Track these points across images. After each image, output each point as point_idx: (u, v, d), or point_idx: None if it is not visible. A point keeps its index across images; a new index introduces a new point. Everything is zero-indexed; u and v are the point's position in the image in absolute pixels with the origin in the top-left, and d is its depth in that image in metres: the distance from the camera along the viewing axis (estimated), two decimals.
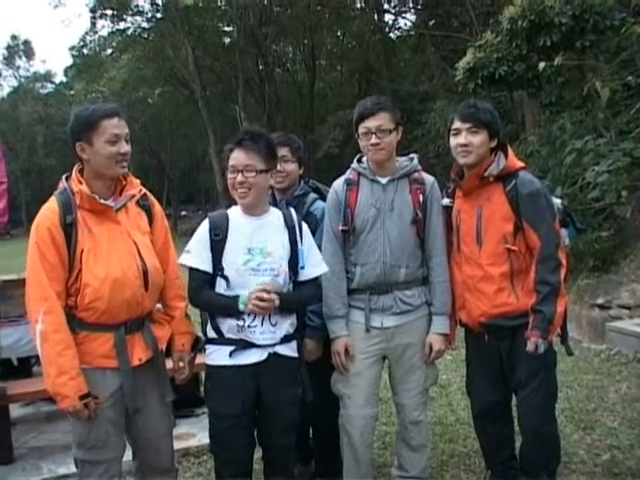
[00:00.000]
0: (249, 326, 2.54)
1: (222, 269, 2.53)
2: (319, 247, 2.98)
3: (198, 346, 2.69)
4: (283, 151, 3.14)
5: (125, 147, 2.41)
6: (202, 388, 4.47)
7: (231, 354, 2.55)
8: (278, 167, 3.06)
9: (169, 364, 2.63)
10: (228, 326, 2.55)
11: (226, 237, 2.56)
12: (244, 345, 2.54)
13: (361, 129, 2.85)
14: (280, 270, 2.57)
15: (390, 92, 17.87)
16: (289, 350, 2.63)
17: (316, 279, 2.72)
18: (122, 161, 2.41)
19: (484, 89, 8.73)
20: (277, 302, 2.50)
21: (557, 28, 7.58)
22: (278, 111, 22.20)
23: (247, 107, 21.87)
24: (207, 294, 2.56)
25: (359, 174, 2.95)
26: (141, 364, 2.46)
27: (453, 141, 2.84)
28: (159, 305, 2.68)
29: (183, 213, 41.00)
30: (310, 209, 3.14)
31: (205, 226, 2.61)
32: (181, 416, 4.22)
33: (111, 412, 2.41)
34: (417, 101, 18.13)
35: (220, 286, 2.55)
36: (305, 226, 2.74)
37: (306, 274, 2.67)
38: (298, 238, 2.65)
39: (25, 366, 4.78)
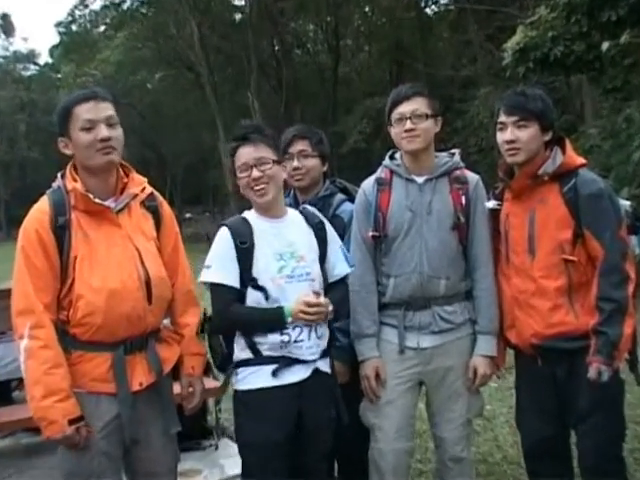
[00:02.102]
0: (296, 341, 2.57)
1: (254, 280, 2.56)
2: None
3: (215, 370, 2.74)
4: (301, 145, 3.18)
5: (104, 132, 2.41)
6: (210, 417, 4.49)
7: (274, 373, 2.56)
8: (296, 163, 3.11)
9: (176, 389, 2.66)
10: (270, 343, 2.57)
11: (253, 244, 2.59)
12: (287, 362, 2.57)
13: (394, 116, 2.89)
14: (315, 274, 2.64)
15: (426, 77, 17.90)
16: (326, 366, 2.68)
17: (344, 280, 2.79)
18: (105, 148, 2.41)
19: (536, 73, 8.70)
20: (331, 307, 2.57)
21: (624, 1, 7.49)
22: (297, 99, 22.34)
23: (261, 94, 22.04)
24: (240, 309, 2.57)
25: (392, 172, 2.97)
26: (142, 389, 2.47)
27: (499, 137, 2.84)
28: (167, 321, 2.70)
29: (188, 215, 41.18)
30: (337, 212, 3.17)
31: (225, 236, 2.62)
32: (186, 449, 4.22)
33: (105, 443, 2.41)
34: (457, 88, 18.12)
35: (255, 300, 2.57)
36: (327, 222, 2.81)
37: (336, 274, 2.74)
38: (326, 235, 2.73)
39: (4, 391, 4.67)
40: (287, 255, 2.61)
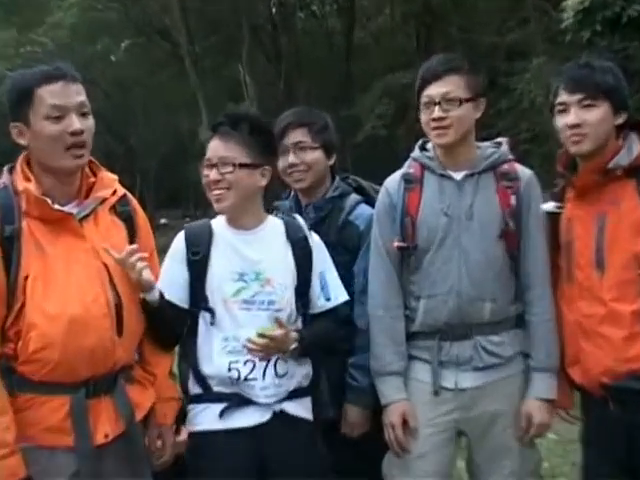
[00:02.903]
0: (246, 379, 2.65)
1: (205, 300, 2.67)
2: (364, 272, 3.03)
3: (185, 417, 2.77)
4: (298, 134, 3.20)
5: (76, 123, 2.43)
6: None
7: (222, 414, 2.65)
8: (292, 158, 3.15)
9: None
10: (218, 377, 2.67)
11: (208, 256, 2.70)
12: (239, 401, 2.66)
13: (422, 99, 2.92)
14: (283, 303, 2.71)
15: (462, 45, 17.89)
16: (301, 409, 2.76)
17: (335, 310, 2.85)
18: (75, 146, 2.44)
19: (604, 38, 8.68)
20: (294, 344, 2.65)
21: None
22: (300, 74, 22.35)
23: (255, 68, 22.07)
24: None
25: (423, 167, 2.99)
26: (108, 442, 2.48)
27: (559, 120, 2.85)
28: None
29: (163, 221, 40.99)
30: (349, 217, 3.19)
31: (179, 242, 2.75)
32: None
33: None
34: (502, 58, 18.09)
35: (204, 322, 2.70)
36: (316, 237, 2.87)
37: (322, 304, 2.82)
38: (312, 255, 2.80)
39: None
40: (250, 276, 2.69)
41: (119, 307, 2.48)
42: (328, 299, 2.86)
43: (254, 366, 2.66)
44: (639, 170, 2.78)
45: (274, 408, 2.69)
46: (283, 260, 2.78)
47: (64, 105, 2.42)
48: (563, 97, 2.82)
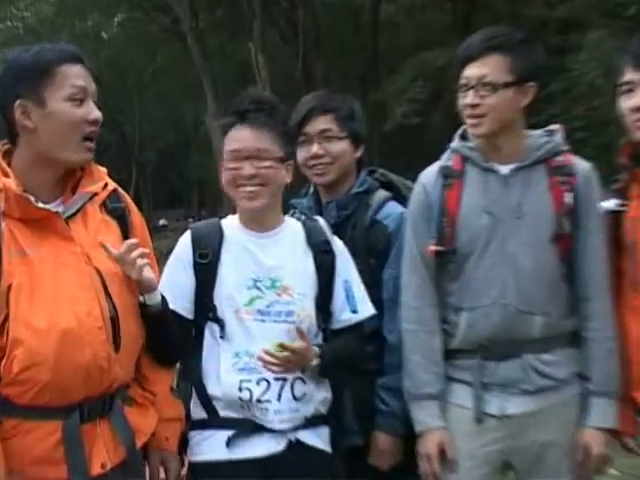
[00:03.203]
0: (259, 400, 2.65)
1: (214, 309, 2.67)
2: (394, 279, 3.03)
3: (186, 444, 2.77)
4: (323, 122, 3.22)
5: (96, 111, 2.49)
6: None
7: (229, 443, 2.65)
8: (315, 149, 3.17)
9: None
10: (226, 400, 2.67)
11: (218, 260, 2.71)
12: (250, 429, 2.66)
13: (460, 80, 2.91)
14: (303, 314, 2.72)
15: (508, 20, 17.82)
16: (318, 439, 2.75)
17: (361, 325, 2.87)
18: (91, 136, 2.49)
19: None
20: (315, 360, 2.64)
21: None
22: (319, 53, 22.32)
23: (268, 46, 22.07)
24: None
25: (464, 159, 2.99)
26: (105, 472, 2.48)
27: (624, 102, 2.84)
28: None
29: (162, 222, 41.20)
30: (377, 216, 3.20)
31: (185, 243, 2.77)
32: None
33: None
34: (553, 33, 18.01)
35: (210, 335, 2.70)
36: (340, 243, 2.89)
37: (348, 317, 2.82)
38: (335, 262, 2.82)
39: None
40: (265, 283, 2.70)
41: (115, 319, 2.49)
42: (354, 311, 2.86)
43: (268, 386, 2.66)
44: None
45: (289, 436, 2.69)
46: (303, 267, 2.79)
47: (88, 89, 2.47)
48: (629, 75, 2.80)
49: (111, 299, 2.49)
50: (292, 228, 2.86)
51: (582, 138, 12.82)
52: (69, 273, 2.45)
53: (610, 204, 2.97)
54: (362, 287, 2.91)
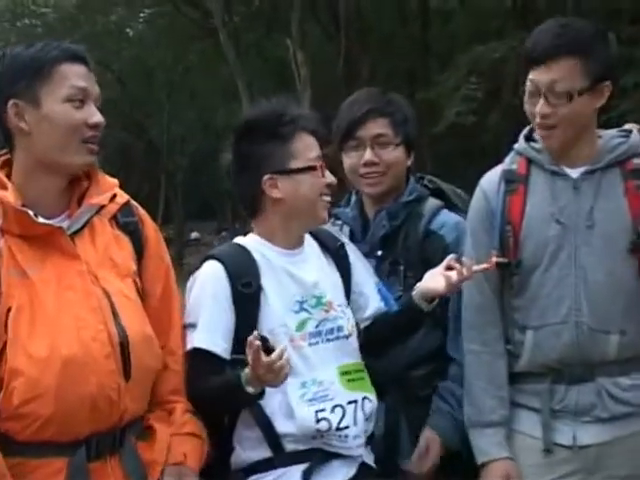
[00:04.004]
0: (338, 428, 2.68)
1: (264, 341, 2.61)
2: (458, 295, 3.05)
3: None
4: (378, 126, 3.23)
5: (98, 115, 2.49)
6: None
7: (306, 475, 2.66)
8: (369, 156, 3.19)
9: None
10: (299, 432, 2.67)
11: (260, 287, 2.73)
12: (321, 458, 2.69)
13: (527, 83, 2.89)
14: (350, 327, 2.82)
15: (573, 8, 17.74)
16: (370, 457, 2.82)
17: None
18: (92, 140, 2.48)
19: None
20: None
21: None
22: (364, 48, 22.30)
23: (307, 42, 22.06)
24: (208, 382, 2.66)
25: (529, 162, 2.97)
26: None
27: None
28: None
29: (194, 235, 41.24)
30: (431, 226, 3.22)
31: (217, 274, 2.74)
32: None
33: None
34: (626, 21, 17.90)
35: None
36: (351, 244, 3.00)
37: (368, 316, 2.95)
38: (349, 264, 2.94)
39: None
40: (311, 302, 2.75)
41: (124, 345, 2.45)
42: (377, 305, 2.98)
43: (344, 411, 2.70)
44: None
45: (359, 460, 2.74)
46: (332, 277, 2.88)
47: (89, 91, 2.48)
48: None
49: (121, 323, 2.46)
50: (308, 241, 2.92)
51: None
52: (74, 295, 2.43)
53: None
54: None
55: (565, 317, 2.86)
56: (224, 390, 2.62)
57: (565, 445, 2.89)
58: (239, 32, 23.95)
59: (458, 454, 3.08)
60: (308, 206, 2.78)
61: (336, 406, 2.68)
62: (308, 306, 2.74)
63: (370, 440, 2.82)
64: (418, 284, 2.85)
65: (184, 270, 2.90)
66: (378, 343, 3.00)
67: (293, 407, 2.67)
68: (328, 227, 2.98)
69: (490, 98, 18.38)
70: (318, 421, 2.65)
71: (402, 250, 3.14)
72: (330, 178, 2.80)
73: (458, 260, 2.73)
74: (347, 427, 2.68)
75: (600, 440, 2.87)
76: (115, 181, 2.66)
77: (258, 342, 2.40)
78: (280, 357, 2.42)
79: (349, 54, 21.59)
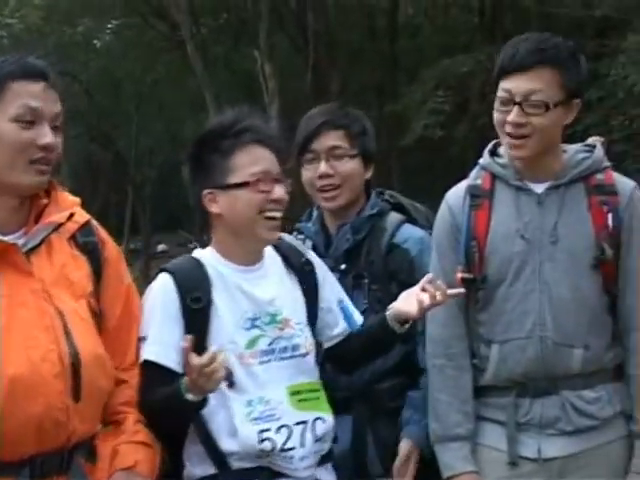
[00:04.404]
0: (283, 449, 2.64)
1: None
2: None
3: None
4: (333, 138, 3.23)
5: (49, 136, 2.44)
6: None
7: None
8: (324, 168, 3.19)
9: None
10: (242, 450, 2.64)
11: (211, 302, 2.70)
12: (269, 476, 2.67)
13: (500, 92, 2.89)
14: (308, 346, 2.77)
15: (539, 21, 17.86)
16: (328, 474, 2.80)
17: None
18: (41, 162, 2.44)
19: None
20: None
21: None
22: (332, 62, 22.34)
23: (275, 54, 22.08)
24: (156, 394, 2.62)
25: (493, 177, 2.98)
26: None
27: None
28: None
29: (161, 247, 40.91)
30: (395, 240, 3.22)
31: (167, 288, 2.73)
32: None
33: None
34: (589, 36, 18.04)
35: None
36: (317, 258, 2.95)
37: (336, 334, 2.89)
38: (316, 281, 2.87)
39: None
40: (264, 319, 2.71)
41: (76, 365, 2.40)
42: (344, 324, 2.93)
43: (290, 432, 2.66)
44: None
45: (309, 479, 2.71)
46: (292, 294, 2.84)
47: (41, 111, 2.42)
48: None
49: (73, 343, 2.41)
50: (269, 255, 2.87)
51: (622, 151, 12.81)
52: (27, 312, 2.39)
53: None
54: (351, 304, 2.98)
55: (530, 332, 2.86)
56: (168, 401, 2.58)
57: (530, 458, 2.89)
58: (207, 44, 23.96)
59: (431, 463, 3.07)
60: (246, 223, 2.73)
61: (282, 426, 2.65)
62: (261, 323, 2.71)
63: (328, 458, 2.79)
64: (392, 304, 2.82)
65: (151, 282, 2.89)
66: (347, 362, 3.00)
67: (237, 425, 2.64)
68: (293, 241, 2.95)
69: (458, 111, 18.47)
70: (262, 441, 2.62)
71: (366, 264, 3.14)
72: (277, 194, 2.73)
73: (433, 282, 2.69)
74: (293, 448, 2.64)
75: (565, 453, 2.88)
76: (76, 200, 2.63)
77: (186, 344, 2.40)
78: (211, 361, 2.39)
79: (317, 67, 21.61)
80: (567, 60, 2.84)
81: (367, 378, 3.11)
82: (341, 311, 2.90)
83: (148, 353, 2.64)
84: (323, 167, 3.19)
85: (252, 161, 2.73)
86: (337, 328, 2.91)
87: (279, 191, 2.72)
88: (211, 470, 2.67)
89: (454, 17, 24.61)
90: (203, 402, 2.52)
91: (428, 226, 3.20)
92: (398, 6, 23.30)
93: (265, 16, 21.52)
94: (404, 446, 3.05)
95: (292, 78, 23.34)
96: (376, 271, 3.14)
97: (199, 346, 2.57)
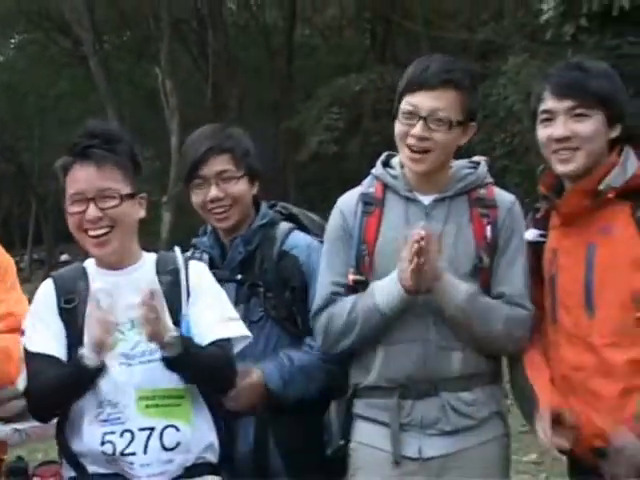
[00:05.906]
0: (123, 454, 2.61)
1: (80, 358, 2.62)
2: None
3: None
4: (220, 162, 3.21)
5: None
6: None
7: None
8: (215, 192, 3.16)
9: None
10: (92, 455, 2.63)
11: (82, 303, 2.70)
12: None
13: (404, 105, 2.89)
14: None
15: (428, 43, 18.06)
16: None
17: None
18: None
19: (593, 35, 8.70)
20: (171, 334, 2.56)
21: None
22: (231, 78, 22.27)
23: (176, 70, 21.94)
24: (47, 373, 2.64)
25: (385, 187, 3.00)
26: None
27: (543, 131, 2.88)
28: None
29: (64, 257, 40.27)
30: (284, 248, 3.22)
31: (46, 291, 2.77)
32: None
33: None
34: (474, 57, 18.29)
35: None
36: (200, 266, 2.92)
37: (202, 338, 2.77)
38: (180, 289, 2.80)
39: None
40: (125, 325, 2.69)
41: None
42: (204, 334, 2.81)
43: (132, 437, 2.61)
44: (636, 193, 2.79)
45: None
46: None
47: None
48: (549, 104, 2.84)
49: None
50: (149, 263, 2.86)
51: (504, 166, 13.01)
52: None
53: (530, 234, 3.00)
54: (230, 307, 2.89)
55: (414, 336, 2.87)
56: (65, 375, 2.61)
57: (412, 457, 2.89)
58: (110, 60, 23.68)
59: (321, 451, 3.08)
60: (79, 240, 2.75)
61: (126, 431, 2.61)
62: (123, 328, 2.67)
63: (200, 471, 2.72)
64: None
65: None
66: None
67: (83, 426, 2.64)
68: (177, 254, 2.88)
69: (351, 128, 18.55)
70: (103, 443, 2.60)
71: (259, 273, 3.14)
72: (89, 215, 2.67)
73: None
74: (133, 454, 2.60)
75: (443, 452, 2.89)
76: None
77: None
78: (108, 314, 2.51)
79: (217, 84, 21.55)
80: (469, 84, 2.89)
81: None
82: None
83: (30, 344, 2.68)
84: (214, 191, 3.16)
85: (70, 183, 2.73)
86: (211, 335, 2.78)
87: (92, 212, 2.66)
88: (71, 473, 2.67)
89: (348, 38, 24.72)
90: (101, 370, 2.55)
91: (322, 234, 3.20)
92: (295, 26, 23.36)
93: (166, 34, 21.38)
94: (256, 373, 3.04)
95: (192, 94, 23.22)
96: (270, 279, 3.14)
97: (77, 340, 2.62)
